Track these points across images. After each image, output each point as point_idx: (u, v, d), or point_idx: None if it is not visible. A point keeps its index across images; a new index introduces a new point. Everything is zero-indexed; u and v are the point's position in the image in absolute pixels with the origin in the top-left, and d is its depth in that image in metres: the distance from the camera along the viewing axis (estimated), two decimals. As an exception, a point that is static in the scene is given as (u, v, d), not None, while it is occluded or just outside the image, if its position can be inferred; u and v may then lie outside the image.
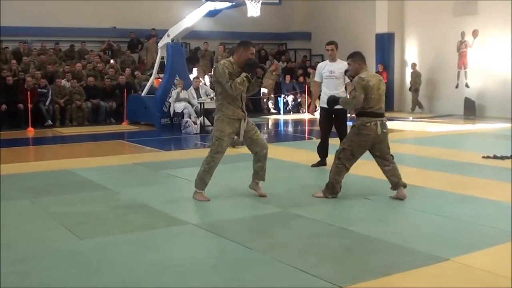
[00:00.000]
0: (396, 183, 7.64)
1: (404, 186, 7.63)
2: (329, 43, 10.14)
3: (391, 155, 7.77)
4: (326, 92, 9.87)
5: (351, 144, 7.57)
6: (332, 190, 7.69)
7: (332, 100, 8.24)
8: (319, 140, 10.38)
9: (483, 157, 10.84)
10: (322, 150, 10.24)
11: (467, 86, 20.61)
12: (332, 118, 10.06)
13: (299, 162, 10.58)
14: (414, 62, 22.05)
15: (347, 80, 9.72)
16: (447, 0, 21.06)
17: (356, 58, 7.75)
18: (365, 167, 8.83)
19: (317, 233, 6.26)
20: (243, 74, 7.39)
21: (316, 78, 10.30)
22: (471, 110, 20.00)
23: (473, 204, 7.42)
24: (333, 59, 10.04)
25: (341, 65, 9.84)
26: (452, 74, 21.00)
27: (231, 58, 7.79)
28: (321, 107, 10.18)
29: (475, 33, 20.27)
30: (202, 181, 7.77)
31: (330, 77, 9.94)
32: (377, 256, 5.49)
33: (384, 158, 7.68)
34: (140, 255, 5.56)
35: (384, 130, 7.55)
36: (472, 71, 20.55)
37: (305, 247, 5.77)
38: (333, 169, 7.67)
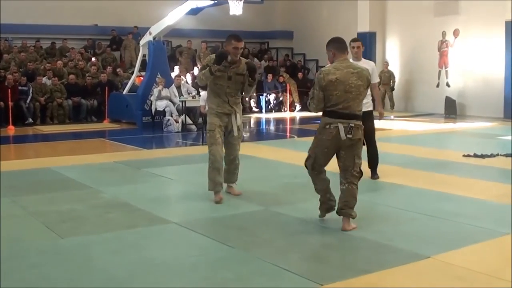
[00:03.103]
0: (339, 210, 6.32)
1: (351, 217, 6.27)
2: (356, 40, 9.22)
3: (359, 171, 6.36)
4: None
5: (313, 150, 6.44)
6: (321, 202, 6.63)
7: None
8: (300, 138, 10.29)
9: (464, 155, 10.90)
10: None
11: (448, 85, 20.77)
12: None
13: (281, 160, 10.58)
14: (386, 61, 22.18)
15: (375, 80, 8.96)
16: (429, 0, 21.16)
17: (329, 46, 6.58)
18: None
19: (299, 231, 6.27)
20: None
21: None
22: (451, 109, 20.10)
23: (454, 202, 7.45)
24: (358, 58, 8.97)
25: (367, 65, 8.75)
26: (433, 73, 21.15)
27: None
28: None
29: (456, 33, 20.43)
30: (210, 180, 7.55)
31: None
32: (358, 254, 5.53)
33: (343, 172, 6.35)
34: (122, 254, 5.55)
35: (349, 136, 6.17)
36: (453, 70, 20.71)
37: (286, 245, 5.78)
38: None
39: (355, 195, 6.31)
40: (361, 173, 6.44)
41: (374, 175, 8.97)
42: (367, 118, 8.73)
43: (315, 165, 6.43)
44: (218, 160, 7.48)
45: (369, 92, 8.70)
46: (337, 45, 6.54)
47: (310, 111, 6.54)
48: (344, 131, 6.14)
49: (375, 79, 8.93)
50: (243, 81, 7.71)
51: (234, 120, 7.66)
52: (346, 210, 6.24)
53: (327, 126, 6.21)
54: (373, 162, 9.01)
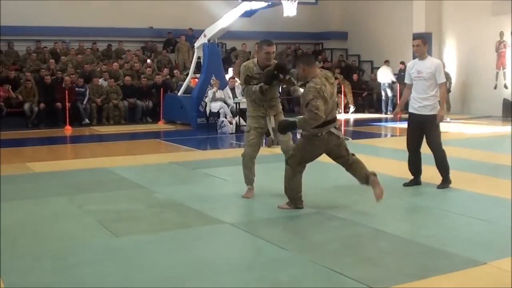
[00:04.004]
0: (365, 179, 7.07)
1: (375, 176, 7.03)
2: (415, 38, 8.74)
3: (351, 154, 7.17)
4: (414, 96, 8.52)
5: (299, 152, 7.15)
6: (291, 200, 7.22)
7: (285, 126, 7.16)
8: (354, 140, 10.15)
9: (522, 159, 10.67)
10: (414, 166, 8.67)
11: (505, 87, 20.36)
12: (423, 125, 8.48)
13: (334, 163, 10.46)
14: (443, 62, 21.80)
15: (441, 80, 8.38)
16: (486, -1, 20.82)
17: (298, 64, 7.04)
18: (400, 168, 8.79)
19: (353, 235, 6.23)
20: (259, 85, 7.51)
21: (406, 80, 8.78)
22: (509, 111, 19.71)
23: (510, 207, 7.29)
24: (420, 57, 8.53)
25: (430, 64, 8.43)
26: (491, 75, 20.76)
27: (255, 59, 7.87)
28: (409, 113, 8.67)
29: (514, 33, 20.02)
30: (244, 176, 7.96)
31: (418, 78, 8.42)
32: (413, 259, 5.45)
33: (342, 162, 7.24)
34: (175, 254, 5.60)
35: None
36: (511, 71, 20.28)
37: (340, 248, 5.75)
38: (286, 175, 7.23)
39: (362, 162, 7.13)
40: (353, 153, 7.17)
41: (444, 183, 8.49)
42: (432, 122, 8.42)
43: (302, 163, 7.13)
44: (248, 160, 7.83)
45: (433, 93, 8.38)
46: (306, 61, 6.99)
47: (316, 122, 6.78)
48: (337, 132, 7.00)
49: (441, 79, 8.38)
50: (277, 82, 7.73)
51: (269, 122, 7.76)
52: (369, 174, 6.99)
53: (319, 134, 6.90)
54: (439, 169, 8.58)
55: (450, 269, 5.10)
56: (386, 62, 22.56)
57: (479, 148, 12.51)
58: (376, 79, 23.52)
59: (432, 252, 5.61)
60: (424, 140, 8.56)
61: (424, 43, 8.52)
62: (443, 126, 8.78)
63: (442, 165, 8.54)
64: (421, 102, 8.39)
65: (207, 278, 4.95)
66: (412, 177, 8.61)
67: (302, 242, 5.99)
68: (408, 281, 4.83)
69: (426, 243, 5.85)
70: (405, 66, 22.15)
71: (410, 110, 8.59)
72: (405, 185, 8.58)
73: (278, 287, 4.74)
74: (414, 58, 8.75)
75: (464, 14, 21.72)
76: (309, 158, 7.15)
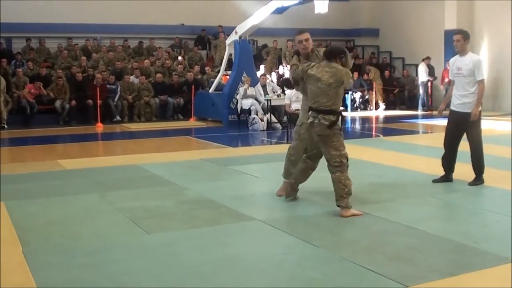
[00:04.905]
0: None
1: (341, 207, 6.80)
2: (456, 33, 8.44)
3: (339, 161, 6.88)
4: (454, 93, 8.40)
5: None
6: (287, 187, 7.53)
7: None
8: (385, 137, 10.07)
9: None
10: (448, 163, 8.57)
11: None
12: (462, 123, 8.38)
13: (366, 160, 10.44)
14: None
15: (479, 77, 8.17)
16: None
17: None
18: (432, 165, 8.70)
19: (384, 232, 6.19)
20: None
21: (450, 76, 8.71)
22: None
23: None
24: (460, 52, 8.33)
25: (469, 60, 8.21)
26: (523, 72, 20.51)
27: None
28: (450, 110, 8.57)
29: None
30: (284, 170, 7.91)
31: (458, 75, 8.30)
32: (444, 256, 5.40)
33: (328, 163, 7.00)
34: (207, 250, 5.59)
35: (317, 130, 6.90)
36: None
37: (372, 245, 5.71)
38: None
39: (340, 181, 6.84)
40: (341, 162, 6.89)
41: (476, 181, 8.37)
42: (471, 120, 8.27)
43: (307, 151, 7.29)
44: (296, 155, 7.69)
45: (473, 91, 8.22)
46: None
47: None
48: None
49: (480, 76, 8.16)
50: None
51: None
52: (337, 201, 6.81)
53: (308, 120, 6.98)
54: (474, 167, 8.46)
55: (481, 266, 5.08)
56: (425, 60, 22.25)
57: (510, 146, 12.35)
58: (408, 75, 23.46)
59: (463, 249, 5.57)
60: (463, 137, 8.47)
61: (464, 39, 8.28)
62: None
63: (478, 164, 8.42)
64: (460, 99, 8.28)
65: (239, 275, 4.94)
66: (443, 173, 8.54)
67: (333, 239, 5.97)
68: (439, 278, 4.80)
69: (457, 240, 5.81)
70: (428, 63, 22.26)
71: (451, 107, 8.47)
72: (434, 181, 8.50)
73: (311, 286, 4.72)
74: (445, 55, 8.67)
75: (495, 12, 21.47)
76: (309, 146, 7.22)
